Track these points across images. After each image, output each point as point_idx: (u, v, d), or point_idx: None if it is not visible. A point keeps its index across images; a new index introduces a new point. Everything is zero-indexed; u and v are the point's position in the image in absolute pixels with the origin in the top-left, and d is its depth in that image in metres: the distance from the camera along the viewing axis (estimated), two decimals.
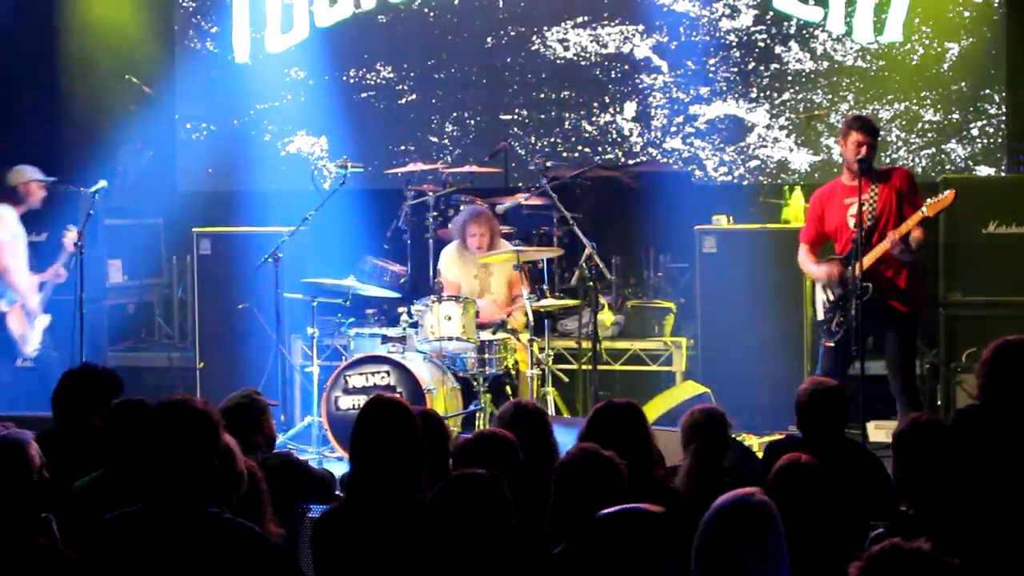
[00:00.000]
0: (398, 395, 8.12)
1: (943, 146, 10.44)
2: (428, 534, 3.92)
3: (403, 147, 11.33)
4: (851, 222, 7.71)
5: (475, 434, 4.82)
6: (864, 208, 7.60)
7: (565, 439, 5.57)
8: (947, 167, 10.34)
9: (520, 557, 3.94)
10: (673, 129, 10.93)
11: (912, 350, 8.00)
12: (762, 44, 10.75)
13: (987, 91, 10.35)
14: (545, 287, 9.55)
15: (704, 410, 5.28)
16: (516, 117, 11.23)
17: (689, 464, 4.99)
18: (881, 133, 10.21)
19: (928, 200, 7.56)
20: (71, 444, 5.08)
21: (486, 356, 8.69)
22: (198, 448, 3.92)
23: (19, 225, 9.22)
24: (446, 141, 11.34)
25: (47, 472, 4.16)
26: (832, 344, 7.85)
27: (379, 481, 4.24)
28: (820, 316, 8.02)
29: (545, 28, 11.12)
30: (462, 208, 9.70)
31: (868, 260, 7.57)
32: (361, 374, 8.58)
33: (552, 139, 11.11)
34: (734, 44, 10.78)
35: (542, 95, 11.18)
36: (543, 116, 11.18)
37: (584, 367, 8.96)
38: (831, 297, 7.91)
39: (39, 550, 3.94)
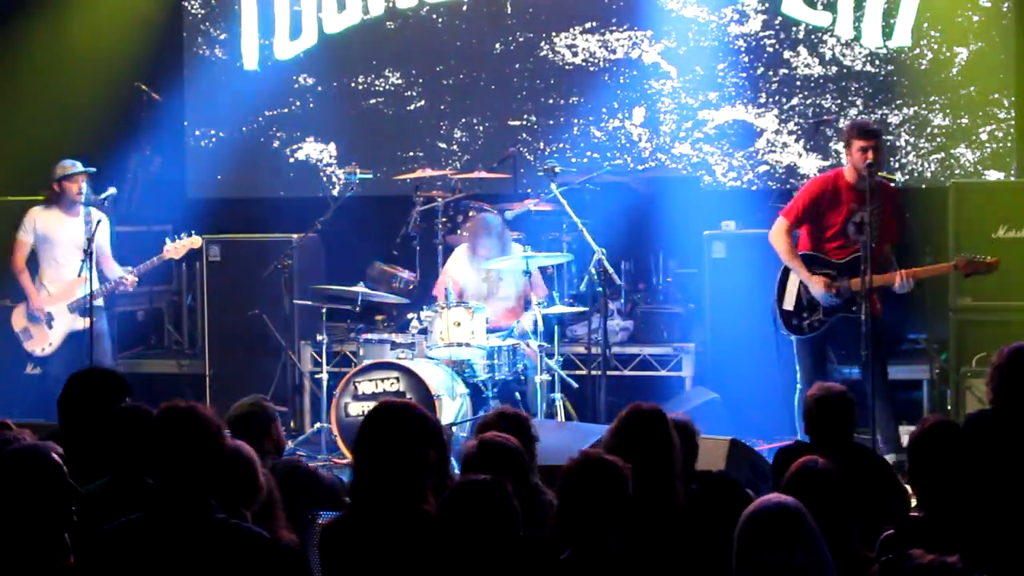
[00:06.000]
0: (409, 400, 8.12)
1: (952, 151, 10.42)
2: (435, 541, 3.92)
3: (412, 153, 11.32)
4: (851, 228, 7.80)
5: (479, 440, 4.77)
6: (868, 219, 7.70)
7: (576, 444, 5.57)
8: (956, 172, 10.32)
9: (526, 564, 3.94)
10: (682, 134, 10.92)
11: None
12: (771, 49, 10.74)
13: (996, 95, 10.33)
14: (555, 293, 9.55)
15: (674, 419, 5.26)
16: (525, 123, 11.22)
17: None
18: (890, 138, 10.26)
19: (966, 256, 7.91)
20: (78, 449, 5.06)
21: (496, 362, 8.69)
22: (200, 453, 3.92)
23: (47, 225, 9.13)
24: (455, 147, 11.34)
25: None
26: (804, 340, 8.02)
27: (383, 488, 4.24)
28: (789, 307, 8.06)
29: (553, 33, 11.11)
30: (471, 214, 9.71)
31: (876, 282, 7.63)
32: (371, 380, 8.59)
33: (561, 145, 11.09)
34: (743, 49, 10.78)
35: (551, 101, 11.17)
36: (552, 122, 11.17)
37: (593, 372, 8.95)
38: (806, 297, 7.96)
39: (53, 565, 3.92)
